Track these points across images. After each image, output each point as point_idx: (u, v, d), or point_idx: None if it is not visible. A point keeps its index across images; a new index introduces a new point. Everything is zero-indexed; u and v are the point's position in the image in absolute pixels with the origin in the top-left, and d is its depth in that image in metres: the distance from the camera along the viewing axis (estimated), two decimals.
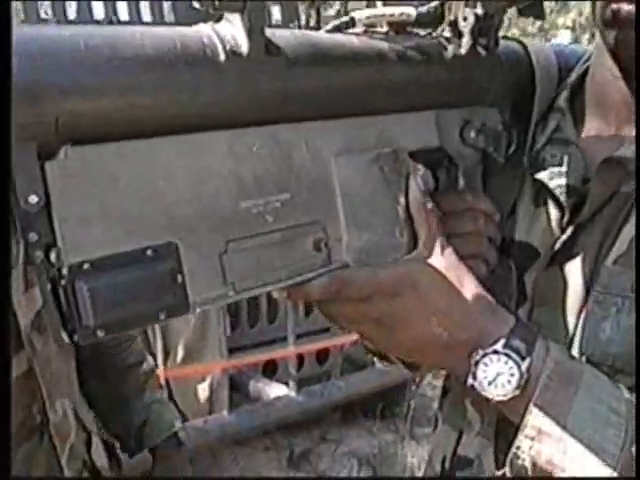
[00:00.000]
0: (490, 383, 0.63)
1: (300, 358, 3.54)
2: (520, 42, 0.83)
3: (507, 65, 0.78)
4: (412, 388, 4.36)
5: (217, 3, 0.53)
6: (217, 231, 0.56)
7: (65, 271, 0.48)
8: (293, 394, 3.36)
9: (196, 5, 0.54)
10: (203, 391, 3.17)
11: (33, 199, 0.47)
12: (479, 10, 0.73)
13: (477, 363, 0.64)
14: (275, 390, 3.34)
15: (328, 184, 0.63)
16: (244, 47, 0.56)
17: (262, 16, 0.56)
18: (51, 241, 0.48)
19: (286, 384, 3.38)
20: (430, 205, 0.69)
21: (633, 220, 0.70)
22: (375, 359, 1.07)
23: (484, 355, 0.63)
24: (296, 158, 0.61)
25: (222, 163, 0.56)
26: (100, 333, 0.50)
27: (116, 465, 1.18)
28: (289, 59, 0.59)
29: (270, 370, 3.50)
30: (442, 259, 0.66)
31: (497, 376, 0.63)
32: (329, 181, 0.63)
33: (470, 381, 0.64)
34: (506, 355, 0.63)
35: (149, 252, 0.52)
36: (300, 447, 3.81)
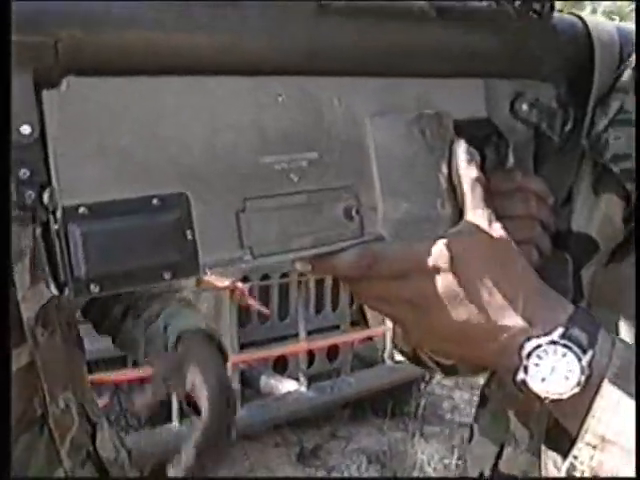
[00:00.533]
0: (544, 379, 0.55)
1: (310, 354, 3.53)
2: (579, 17, 0.76)
3: (563, 38, 0.72)
4: (422, 386, 4.35)
5: None
6: (234, 186, 0.51)
7: (59, 214, 0.44)
8: (303, 390, 3.36)
9: None
10: None
11: (25, 129, 0.43)
12: None
13: (529, 355, 0.55)
14: (286, 385, 3.34)
15: (362, 146, 0.57)
16: None
17: None
18: (45, 179, 0.43)
19: (296, 380, 3.38)
20: (476, 176, 0.61)
21: None
22: (400, 356, 0.98)
23: (538, 346, 0.55)
24: (327, 115, 0.56)
25: (243, 111, 0.51)
26: (94, 288, 0.45)
27: (126, 455, 1.15)
28: (321, 4, 0.54)
29: (281, 366, 3.49)
30: (488, 235, 0.58)
31: (553, 371, 0.55)
32: (363, 143, 0.57)
33: (521, 376, 0.56)
34: (564, 346, 0.55)
35: (155, 201, 0.47)
36: (310, 443, 3.83)
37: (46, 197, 0.44)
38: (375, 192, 0.58)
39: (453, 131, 0.62)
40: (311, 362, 3.54)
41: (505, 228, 0.64)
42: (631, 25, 0.86)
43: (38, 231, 0.46)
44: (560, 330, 0.55)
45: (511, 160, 0.71)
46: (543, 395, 0.56)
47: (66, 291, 0.45)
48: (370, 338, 3.93)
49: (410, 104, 0.61)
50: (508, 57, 0.68)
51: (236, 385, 3.08)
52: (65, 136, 0.44)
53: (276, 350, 3.40)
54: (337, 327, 3.72)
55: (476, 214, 0.59)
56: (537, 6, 0.69)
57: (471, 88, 0.66)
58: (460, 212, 0.61)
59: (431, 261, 0.56)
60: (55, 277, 0.45)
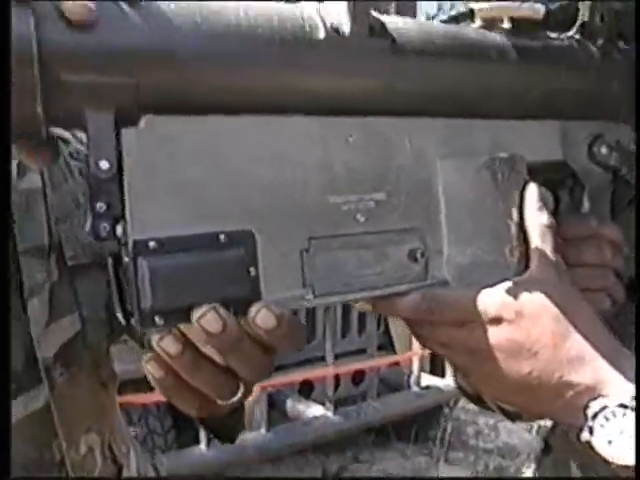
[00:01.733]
0: (611, 442, 0.51)
1: (336, 378, 3.49)
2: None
3: None
4: (446, 411, 4.30)
5: None
6: (300, 225, 0.50)
7: (130, 247, 0.45)
8: (330, 414, 3.31)
9: None
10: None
11: (104, 165, 0.44)
12: (617, 8, 0.64)
13: (595, 415, 0.52)
14: (312, 410, 3.30)
15: (431, 188, 0.56)
16: (346, 27, 0.51)
17: None
18: (119, 213, 0.45)
19: (322, 404, 3.33)
20: (549, 223, 0.58)
21: None
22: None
23: (605, 407, 0.52)
24: (397, 155, 0.54)
25: (312, 151, 0.51)
26: (159, 320, 0.45)
27: None
28: (395, 44, 0.53)
29: (307, 389, 3.45)
30: (558, 286, 0.56)
31: (621, 434, 0.51)
32: (432, 185, 0.56)
33: (586, 436, 0.53)
34: (634, 410, 0.51)
35: (222, 237, 0.47)
36: (333, 467, 3.80)
37: (119, 230, 0.45)
38: (442, 235, 0.56)
39: (526, 175, 0.60)
40: (337, 386, 3.51)
41: (577, 276, 0.61)
42: None
43: (110, 262, 0.47)
44: (630, 391, 0.52)
45: (586, 205, 0.67)
46: (609, 460, 0.52)
47: (132, 321, 0.46)
48: (397, 363, 3.89)
49: (483, 146, 0.58)
50: (588, 98, 0.65)
51: (263, 408, 3.05)
52: (140, 172, 0.45)
53: (303, 374, 3.36)
54: (363, 351, 3.68)
55: (545, 264, 0.57)
56: (622, 45, 0.66)
57: (547, 130, 0.63)
58: (528, 259, 0.58)
59: (496, 311, 0.54)
60: (123, 307, 0.47)
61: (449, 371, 3.90)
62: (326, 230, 0.51)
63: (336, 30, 0.50)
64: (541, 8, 0.62)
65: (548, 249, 0.57)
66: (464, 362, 0.57)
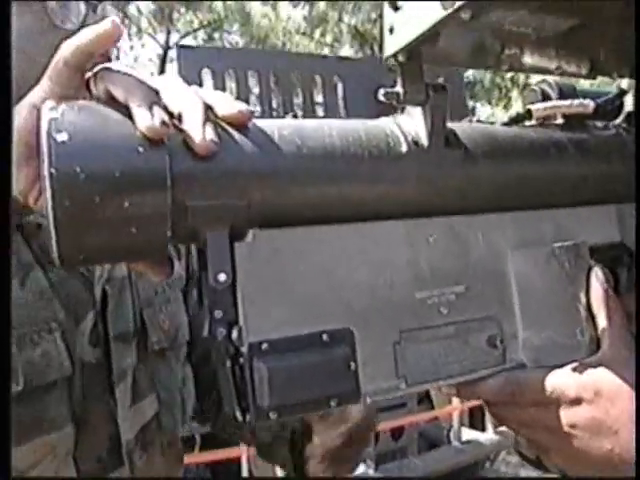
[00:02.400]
0: None
1: (375, 434, 3.46)
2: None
3: None
4: (488, 465, 4.22)
5: (402, 96, 0.55)
6: (392, 320, 0.54)
7: (245, 349, 0.49)
8: (371, 472, 3.28)
9: (382, 98, 0.55)
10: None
11: (222, 277, 0.48)
12: None
13: None
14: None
15: (504, 278, 0.60)
16: (424, 139, 0.56)
17: (444, 108, 0.56)
18: (233, 319, 0.49)
19: (363, 462, 3.30)
20: (614, 304, 0.62)
21: None
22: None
23: None
24: (472, 250, 0.59)
25: (399, 252, 0.55)
26: (273, 415, 0.49)
27: None
28: (468, 151, 0.58)
29: None
30: (629, 364, 0.58)
31: None
32: (505, 275, 0.60)
33: None
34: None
35: (325, 337, 0.51)
36: None
37: (234, 334, 0.49)
38: (516, 321, 0.60)
39: (589, 259, 0.63)
40: (376, 441, 3.47)
41: None
42: None
43: (228, 364, 0.50)
44: None
45: None
46: None
47: (248, 417, 0.49)
48: (436, 417, 3.86)
49: (548, 235, 0.63)
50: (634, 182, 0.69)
51: None
52: (251, 282, 0.49)
53: None
54: (403, 405, 3.66)
55: (616, 344, 0.60)
56: None
57: (605, 214, 0.67)
58: (598, 339, 0.61)
59: (575, 392, 0.57)
60: (240, 403, 0.50)
61: (489, 425, 3.86)
62: (414, 323, 0.55)
63: (416, 143, 0.55)
64: (590, 103, 0.67)
65: (617, 328, 0.60)
66: (545, 441, 0.60)
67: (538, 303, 0.60)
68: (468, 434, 3.91)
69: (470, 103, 11.95)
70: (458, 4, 0.44)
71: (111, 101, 0.47)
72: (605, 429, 0.56)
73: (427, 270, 0.56)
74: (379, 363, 0.53)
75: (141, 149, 0.44)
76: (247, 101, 0.83)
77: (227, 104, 0.50)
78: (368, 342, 0.53)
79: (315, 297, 0.52)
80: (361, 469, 3.28)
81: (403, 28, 0.51)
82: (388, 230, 0.55)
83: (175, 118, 0.47)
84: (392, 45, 0.52)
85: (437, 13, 0.46)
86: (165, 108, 0.47)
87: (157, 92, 0.48)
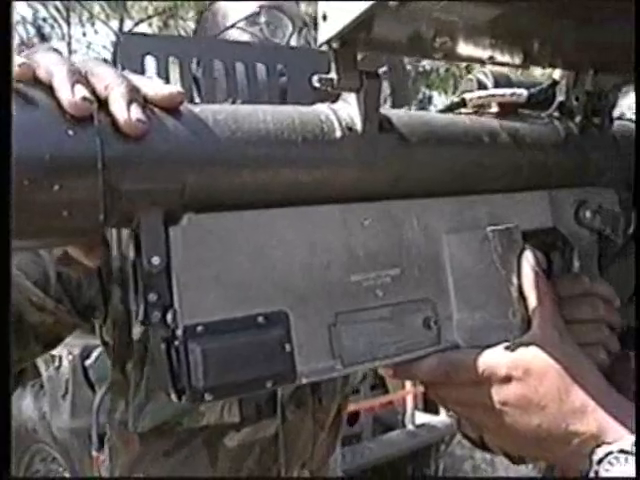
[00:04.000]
0: None
1: None
2: (634, 121, 0.80)
3: (623, 144, 0.75)
4: (442, 448, 4.29)
5: (336, 83, 0.55)
6: (327, 302, 0.56)
7: (179, 332, 0.49)
8: None
9: (316, 84, 0.55)
10: None
11: (156, 260, 0.49)
12: (591, 89, 0.71)
13: (600, 461, 0.57)
14: None
15: (439, 261, 0.62)
16: (358, 125, 0.57)
17: (378, 95, 0.57)
18: (168, 302, 0.50)
19: None
20: (545, 286, 0.64)
21: None
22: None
23: (609, 453, 0.57)
24: (407, 234, 0.60)
25: (335, 236, 0.57)
26: (208, 396, 0.50)
27: None
28: (402, 137, 0.59)
29: None
30: (558, 343, 0.61)
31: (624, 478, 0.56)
32: (440, 258, 0.62)
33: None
34: (634, 455, 0.56)
35: (260, 319, 0.52)
36: None
37: (169, 317, 0.49)
38: (451, 302, 0.62)
39: (522, 243, 0.65)
40: None
41: (573, 332, 0.67)
42: None
43: (162, 346, 0.51)
44: (631, 438, 0.57)
45: (577, 264, 0.73)
46: None
47: (183, 398, 0.50)
48: (390, 402, 3.91)
49: (482, 220, 0.64)
50: (571, 169, 0.71)
51: None
52: (186, 265, 0.50)
53: None
54: (357, 392, 3.70)
55: (546, 323, 0.62)
56: (597, 120, 0.73)
57: (537, 200, 0.69)
58: (530, 320, 0.63)
59: (505, 370, 0.59)
60: (175, 385, 0.51)
61: (443, 408, 3.93)
62: (350, 305, 0.56)
63: (350, 128, 0.56)
64: (523, 93, 0.69)
65: (547, 309, 0.63)
66: (480, 419, 0.62)
67: (472, 285, 0.62)
68: (422, 418, 3.97)
69: (426, 92, 12.00)
70: None
71: (38, 84, 0.46)
72: (534, 405, 0.59)
73: (362, 253, 0.57)
74: (315, 344, 0.55)
75: (71, 132, 0.44)
76: (190, 89, 0.84)
77: (156, 87, 0.50)
78: (303, 324, 0.54)
79: (250, 280, 0.52)
80: None
81: (336, 15, 0.51)
82: (323, 214, 0.56)
83: (102, 100, 0.47)
84: (325, 32, 0.53)
85: (366, 1, 0.47)
86: (93, 91, 0.47)
87: (80, 72, 0.48)
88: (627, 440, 0.57)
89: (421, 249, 0.61)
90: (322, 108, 0.58)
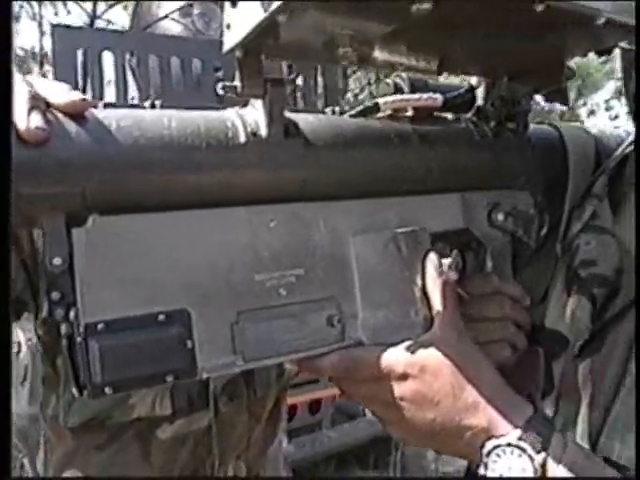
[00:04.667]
0: (502, 476, 0.60)
1: (294, 409, 3.52)
2: (554, 126, 0.83)
3: (539, 149, 0.78)
4: None
5: (240, 90, 0.57)
6: (230, 301, 0.58)
7: (81, 329, 0.51)
8: (284, 445, 3.33)
9: (220, 92, 0.57)
10: None
11: (57, 261, 0.51)
12: (505, 95, 0.73)
13: (489, 453, 0.60)
14: None
15: (345, 262, 0.64)
16: (264, 130, 0.59)
17: (282, 101, 0.59)
18: (71, 301, 0.52)
19: None
20: (447, 286, 0.67)
21: None
22: None
23: (497, 446, 0.60)
24: (313, 235, 0.62)
25: (239, 237, 0.59)
26: (108, 390, 0.52)
27: None
28: (308, 142, 0.61)
29: None
30: (455, 342, 0.64)
31: (509, 470, 0.59)
32: (346, 259, 0.64)
33: (482, 471, 0.61)
34: (519, 448, 0.59)
35: (161, 317, 0.54)
36: None
37: (72, 315, 0.52)
38: (356, 301, 0.64)
39: (428, 245, 0.68)
40: (294, 416, 3.53)
41: (480, 330, 0.71)
42: (607, 128, 0.92)
43: (64, 342, 0.53)
44: (517, 433, 0.60)
45: (489, 265, 0.76)
46: None
47: (84, 393, 0.52)
48: None
49: (392, 221, 0.67)
50: (485, 172, 0.73)
51: None
52: (88, 265, 0.52)
53: None
54: (317, 381, 3.73)
55: (445, 324, 0.65)
56: (512, 125, 0.75)
57: (449, 202, 0.72)
58: (432, 318, 0.66)
59: (403, 368, 0.62)
60: (77, 380, 0.53)
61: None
62: (253, 304, 0.59)
63: (254, 134, 0.58)
64: (439, 97, 0.71)
65: (448, 310, 0.65)
66: (381, 413, 0.65)
67: (376, 285, 0.65)
68: None
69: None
70: (275, 5, 0.46)
71: None
72: (428, 401, 0.62)
73: (267, 254, 0.60)
74: (216, 341, 0.57)
75: None
76: (125, 82, 0.85)
77: (61, 94, 0.51)
78: (205, 322, 0.56)
79: (153, 280, 0.54)
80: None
81: (238, 25, 0.53)
82: (228, 216, 0.58)
83: None
84: (229, 41, 0.54)
85: (260, 13, 0.48)
86: None
87: None
88: (514, 434, 0.60)
89: (327, 250, 0.63)
90: (229, 113, 0.59)
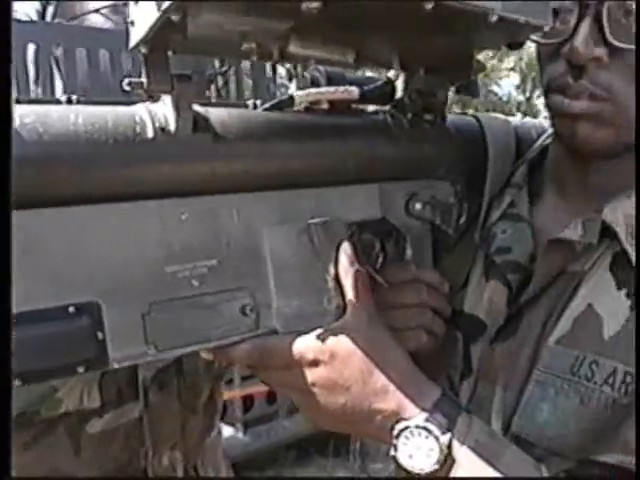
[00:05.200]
0: (411, 456, 0.63)
1: (251, 399, 3.53)
2: (475, 117, 0.85)
3: (459, 140, 0.79)
4: None
5: (146, 85, 0.58)
6: (141, 293, 0.59)
7: None
8: (240, 435, 3.37)
9: (126, 88, 0.58)
10: None
11: None
12: (422, 88, 0.75)
13: (398, 435, 0.63)
14: (223, 431, 3.31)
15: (258, 252, 0.65)
16: (172, 125, 0.59)
17: (190, 96, 0.60)
18: None
19: (233, 425, 3.39)
20: (360, 275, 0.68)
21: (579, 299, 0.70)
22: None
23: (405, 428, 0.63)
24: (226, 227, 0.63)
25: (150, 230, 0.59)
26: (17, 382, 0.53)
27: None
28: (218, 135, 0.62)
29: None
30: (366, 329, 0.66)
31: (418, 449, 0.62)
32: (259, 249, 0.65)
33: (392, 452, 0.64)
34: (426, 429, 0.62)
35: (71, 309, 0.55)
36: None
37: None
38: (270, 291, 0.66)
39: (343, 235, 0.69)
40: (251, 406, 3.55)
41: (397, 317, 0.73)
42: (526, 120, 0.94)
43: None
44: (424, 415, 0.63)
45: (409, 253, 0.78)
46: (410, 470, 0.63)
47: None
48: None
49: (307, 212, 0.68)
50: (402, 163, 0.75)
51: None
52: None
53: None
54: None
55: (357, 311, 0.67)
56: (430, 117, 0.77)
57: (366, 192, 0.73)
58: (345, 306, 0.67)
59: (313, 355, 0.64)
60: None
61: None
62: (164, 295, 0.60)
63: (162, 129, 0.58)
64: (355, 90, 0.73)
65: (359, 298, 0.67)
66: (296, 399, 0.67)
67: (290, 275, 0.66)
68: None
69: None
70: (165, 5, 0.47)
71: None
72: (339, 386, 0.64)
73: (178, 246, 0.61)
74: (128, 332, 0.58)
75: None
76: (52, 74, 0.84)
77: None
78: (116, 313, 0.57)
79: (63, 273, 0.55)
80: (230, 432, 3.35)
81: (140, 22, 0.53)
82: (139, 210, 0.58)
83: None
84: (134, 37, 0.55)
85: (154, 12, 0.49)
86: None
87: None
88: (421, 416, 0.63)
89: (241, 241, 0.64)
90: (139, 109, 0.60)
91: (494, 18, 0.55)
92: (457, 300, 0.80)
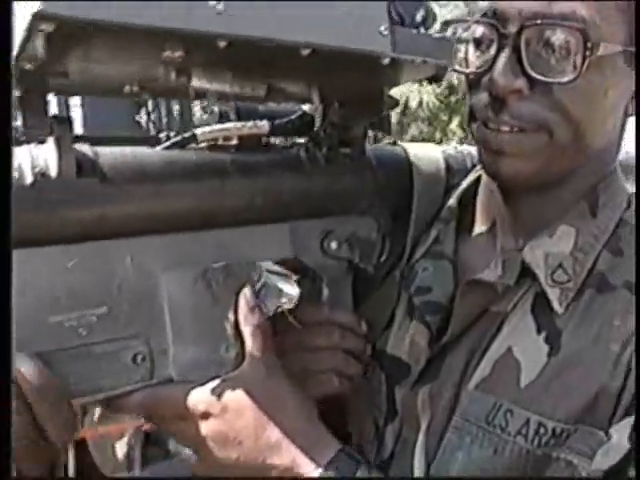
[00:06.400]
0: None
1: None
2: (403, 148, 0.81)
3: (381, 172, 0.76)
4: None
5: (23, 128, 0.55)
6: (24, 342, 0.56)
7: None
8: None
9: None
10: (121, 448, 3.09)
11: None
12: (337, 121, 0.71)
13: None
14: None
15: (154, 297, 0.62)
16: (53, 169, 0.56)
17: (69, 140, 0.56)
18: None
19: None
20: (258, 323, 0.65)
21: (500, 340, 0.67)
22: None
23: None
24: (118, 272, 0.61)
25: (36, 279, 0.57)
26: None
27: None
28: (105, 177, 0.59)
29: None
30: (262, 380, 0.63)
31: None
32: (156, 294, 0.62)
33: None
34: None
35: None
36: None
37: None
38: (167, 337, 0.63)
39: (244, 279, 0.66)
40: None
41: (308, 360, 0.71)
42: (462, 147, 0.91)
43: None
44: (319, 471, 0.61)
45: (326, 293, 0.74)
46: None
47: None
48: None
49: (209, 255, 0.65)
50: (316, 199, 0.71)
51: (138, 446, 3.03)
52: None
53: None
54: None
55: (254, 362, 0.64)
56: (347, 150, 0.74)
57: (276, 232, 0.70)
58: (244, 355, 0.65)
59: (204, 407, 0.61)
60: None
61: None
62: (49, 346, 0.57)
63: (42, 174, 0.55)
64: (265, 124, 0.69)
65: (258, 347, 0.64)
66: (193, 449, 0.64)
67: (188, 321, 0.63)
68: None
69: None
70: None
71: None
72: (230, 440, 0.61)
73: (64, 294, 0.58)
74: None
75: None
76: None
77: None
78: None
79: None
80: None
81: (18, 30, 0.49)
82: (25, 257, 0.56)
83: None
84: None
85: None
86: None
87: None
88: (316, 472, 0.61)
89: (134, 286, 0.61)
90: (20, 152, 0.56)
91: (386, 61, 0.53)
92: (382, 340, 0.77)
